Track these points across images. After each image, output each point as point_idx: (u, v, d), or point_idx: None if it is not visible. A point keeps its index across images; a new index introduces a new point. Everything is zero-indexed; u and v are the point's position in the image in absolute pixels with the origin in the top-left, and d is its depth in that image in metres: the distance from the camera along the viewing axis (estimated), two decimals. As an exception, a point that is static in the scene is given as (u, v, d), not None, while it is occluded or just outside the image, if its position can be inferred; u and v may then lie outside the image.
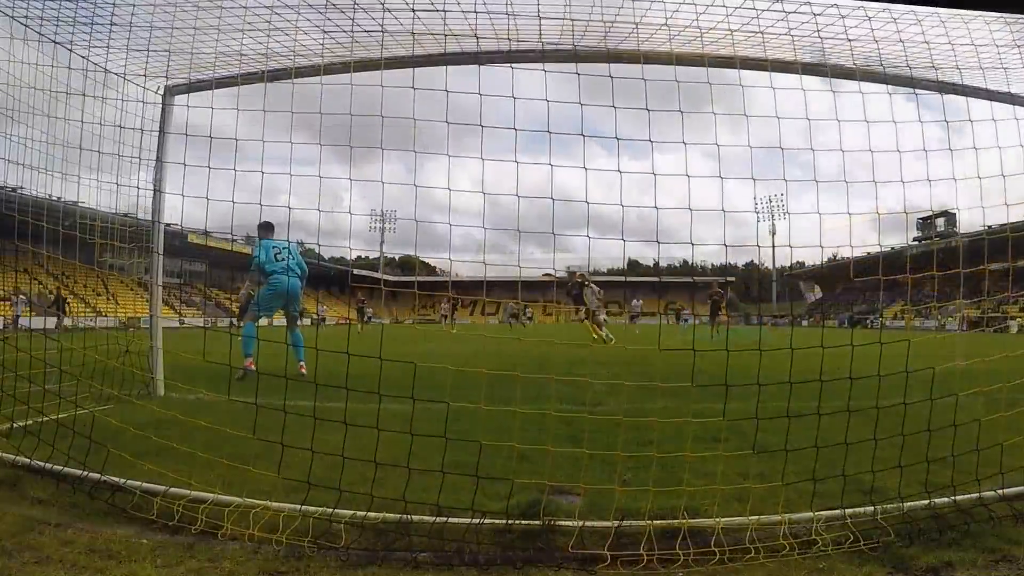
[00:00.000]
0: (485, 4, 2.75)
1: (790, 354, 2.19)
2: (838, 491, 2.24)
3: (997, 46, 2.83)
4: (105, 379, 3.52)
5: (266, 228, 6.61)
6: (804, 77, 2.99)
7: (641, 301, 26.70)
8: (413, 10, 2.82)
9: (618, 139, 2.50)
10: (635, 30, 3.00)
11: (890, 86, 3.07)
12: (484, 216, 2.55)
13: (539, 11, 2.77)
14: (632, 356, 8.02)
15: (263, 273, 6.65)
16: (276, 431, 2.28)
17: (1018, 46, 2.82)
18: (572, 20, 2.88)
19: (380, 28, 2.97)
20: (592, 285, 14.05)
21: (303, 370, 6.36)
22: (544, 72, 2.52)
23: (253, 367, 5.89)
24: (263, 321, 6.95)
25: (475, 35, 2.95)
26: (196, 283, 53.38)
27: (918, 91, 3.04)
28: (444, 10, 2.75)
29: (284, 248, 6.81)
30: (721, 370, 2.30)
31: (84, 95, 3.34)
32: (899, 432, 2.26)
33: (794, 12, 2.70)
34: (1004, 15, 2.60)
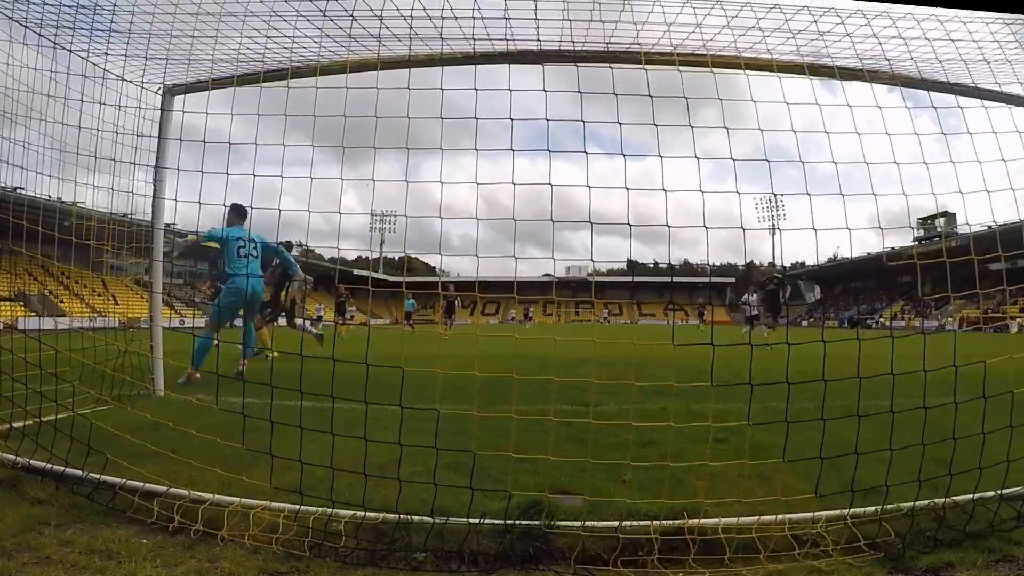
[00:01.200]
0: (480, 10, 2.75)
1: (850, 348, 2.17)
2: (839, 492, 2.24)
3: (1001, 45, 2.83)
4: (104, 380, 3.52)
5: (238, 213, 5.61)
6: (802, 80, 2.99)
7: (756, 294, 16.38)
8: (410, 26, 2.82)
9: (624, 155, 2.49)
10: (636, 35, 2.99)
11: (886, 86, 3.08)
12: (478, 213, 2.53)
13: (536, 14, 2.77)
14: (635, 357, 8.02)
15: (221, 277, 5.99)
16: (277, 433, 2.28)
17: (1017, 41, 2.82)
18: (571, 21, 2.88)
19: (378, 32, 2.97)
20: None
21: (243, 367, 5.96)
22: (543, 74, 2.52)
23: (198, 375, 5.47)
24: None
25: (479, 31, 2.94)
26: (198, 283, 53.29)
27: (915, 90, 3.04)
28: (442, 15, 2.75)
29: (251, 241, 5.79)
30: (736, 371, 2.30)
31: (81, 97, 3.34)
32: (902, 433, 2.26)
33: (794, 17, 2.71)
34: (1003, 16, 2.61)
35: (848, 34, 2.78)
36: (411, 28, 2.84)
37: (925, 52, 2.89)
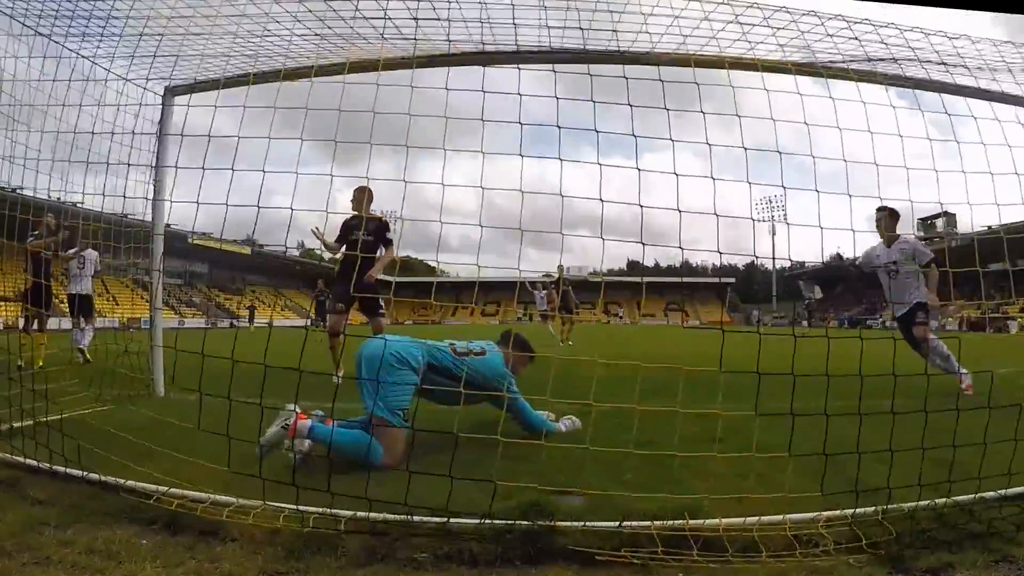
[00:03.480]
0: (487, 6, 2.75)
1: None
2: (839, 492, 2.24)
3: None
4: (104, 380, 3.53)
5: None
6: (800, 78, 2.99)
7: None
8: (416, 18, 2.82)
9: (636, 136, 2.44)
10: (644, 27, 2.99)
11: (888, 85, 3.08)
12: (480, 216, 2.52)
13: (546, 13, 2.78)
14: (636, 357, 8.01)
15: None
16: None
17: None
18: (579, 18, 2.88)
19: (381, 33, 2.98)
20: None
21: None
22: (553, 72, 2.50)
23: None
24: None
25: (482, 21, 2.93)
26: (197, 283, 53.39)
27: (916, 91, 3.04)
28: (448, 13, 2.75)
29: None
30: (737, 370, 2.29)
31: (69, 98, 3.33)
32: (899, 433, 2.26)
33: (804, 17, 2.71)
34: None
35: (856, 22, 2.78)
36: (417, 26, 2.84)
37: (928, 52, 2.89)
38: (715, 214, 2.38)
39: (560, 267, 14.64)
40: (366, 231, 5.58)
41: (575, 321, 13.91)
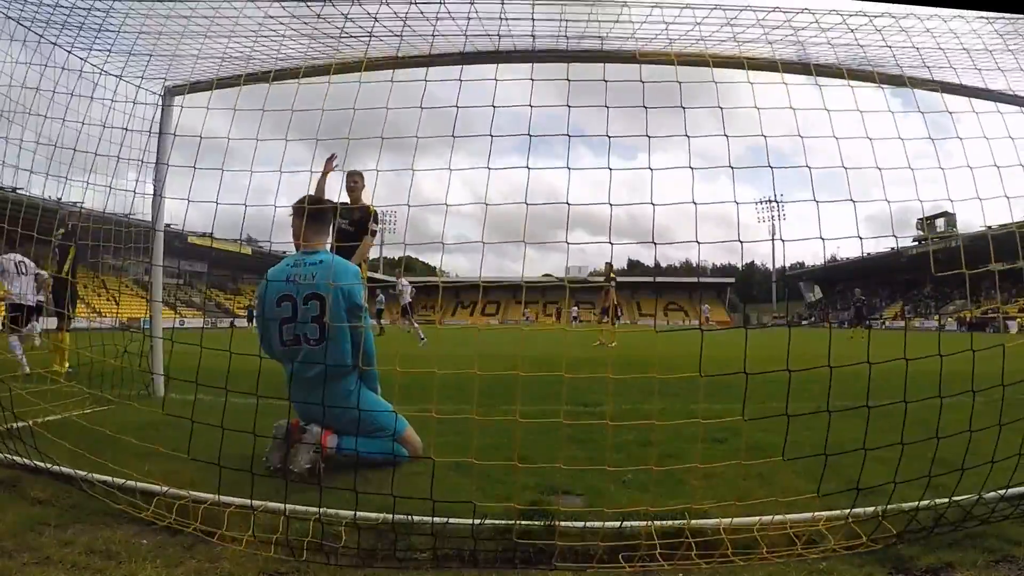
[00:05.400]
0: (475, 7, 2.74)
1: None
2: (839, 492, 2.24)
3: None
4: (104, 380, 3.52)
5: None
6: (797, 79, 2.98)
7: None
8: (404, 18, 2.82)
9: (649, 136, 2.41)
10: (633, 32, 2.99)
11: (884, 86, 3.07)
12: (470, 212, 2.48)
13: (532, 11, 2.77)
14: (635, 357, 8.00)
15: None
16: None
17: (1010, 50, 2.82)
18: (565, 21, 2.88)
19: (389, 34, 2.98)
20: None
21: None
22: (566, 81, 2.48)
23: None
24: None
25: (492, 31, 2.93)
26: (196, 284, 53.40)
27: (911, 89, 3.03)
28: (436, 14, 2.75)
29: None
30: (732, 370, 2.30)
31: (69, 94, 3.33)
32: (901, 431, 2.26)
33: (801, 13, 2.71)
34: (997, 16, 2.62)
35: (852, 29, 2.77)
36: (434, 27, 2.82)
37: (929, 51, 2.89)
38: (693, 203, 2.28)
39: (608, 265, 14.16)
40: (348, 220, 5.16)
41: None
